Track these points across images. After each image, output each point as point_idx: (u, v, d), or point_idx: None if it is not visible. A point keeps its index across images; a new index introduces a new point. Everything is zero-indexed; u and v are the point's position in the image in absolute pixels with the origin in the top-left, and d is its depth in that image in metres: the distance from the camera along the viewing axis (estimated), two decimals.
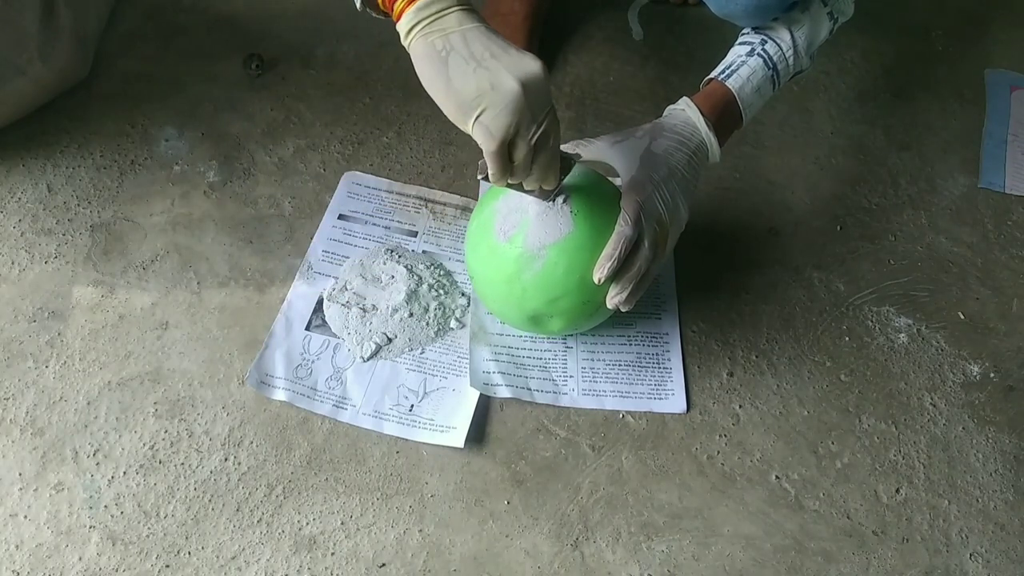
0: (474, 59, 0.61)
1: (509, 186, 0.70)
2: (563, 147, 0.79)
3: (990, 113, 1.11)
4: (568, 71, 1.10)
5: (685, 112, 0.79)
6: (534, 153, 0.64)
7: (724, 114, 0.79)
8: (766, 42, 0.79)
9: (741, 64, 0.79)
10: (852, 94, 1.11)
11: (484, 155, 0.63)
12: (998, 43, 1.19)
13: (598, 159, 0.79)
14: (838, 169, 1.04)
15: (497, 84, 0.60)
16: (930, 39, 1.19)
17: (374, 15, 0.67)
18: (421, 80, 0.63)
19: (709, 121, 0.77)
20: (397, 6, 0.63)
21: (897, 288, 0.94)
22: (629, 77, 1.10)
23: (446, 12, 0.61)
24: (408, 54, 0.64)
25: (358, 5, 0.66)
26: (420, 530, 0.76)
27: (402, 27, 0.63)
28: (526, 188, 0.70)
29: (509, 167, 0.64)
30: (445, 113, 0.63)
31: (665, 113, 0.81)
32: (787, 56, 0.79)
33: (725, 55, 0.82)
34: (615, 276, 0.72)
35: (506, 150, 0.63)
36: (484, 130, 0.62)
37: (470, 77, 0.60)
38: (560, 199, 0.73)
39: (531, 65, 0.61)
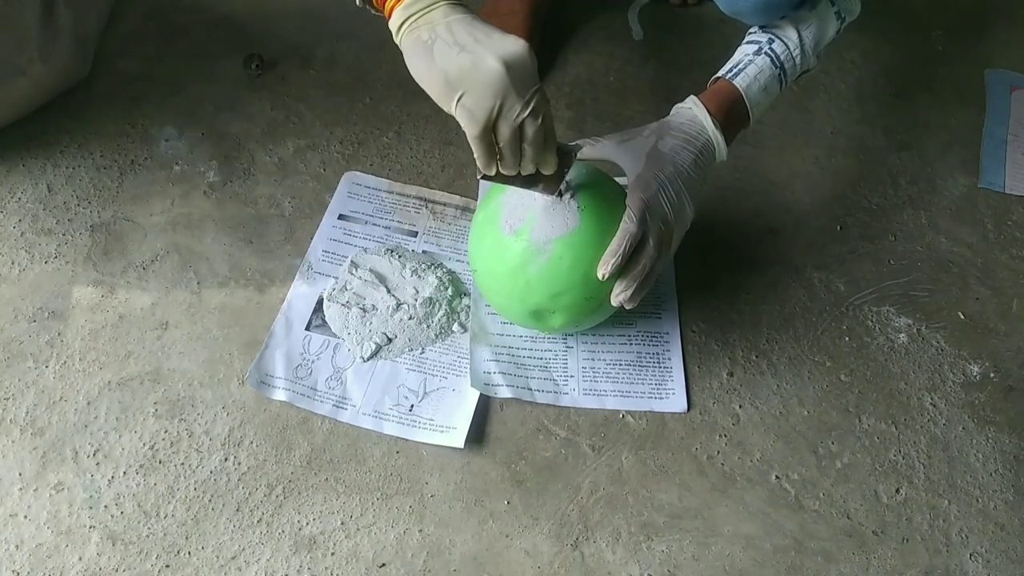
0: (458, 44, 0.62)
1: (513, 182, 0.70)
2: (567, 145, 0.79)
3: (990, 113, 1.11)
4: (568, 71, 1.10)
5: (692, 111, 0.78)
6: (522, 135, 0.64)
7: (731, 113, 0.79)
8: (773, 41, 0.79)
9: (748, 63, 0.79)
10: (852, 94, 1.11)
11: (469, 140, 0.64)
12: (998, 43, 1.19)
13: (605, 158, 0.79)
14: (838, 169, 1.04)
15: (479, 64, 0.61)
16: (930, 39, 1.19)
17: (372, 12, 0.69)
18: (411, 73, 0.64)
19: (716, 120, 0.77)
20: (388, 4, 0.65)
21: (897, 288, 0.94)
22: (629, 77, 1.10)
23: (432, 7, 0.63)
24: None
25: (357, 1, 0.68)
26: (420, 530, 0.76)
27: (393, 24, 0.65)
28: (524, 174, 0.69)
29: (495, 152, 0.65)
30: (434, 99, 0.64)
31: (672, 112, 0.80)
32: (794, 55, 0.79)
33: (728, 54, 0.82)
34: (619, 273, 0.72)
35: (490, 134, 0.63)
36: (466, 112, 0.62)
37: (453, 60, 0.61)
38: (568, 195, 0.74)
39: (514, 45, 0.62)
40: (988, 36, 1.20)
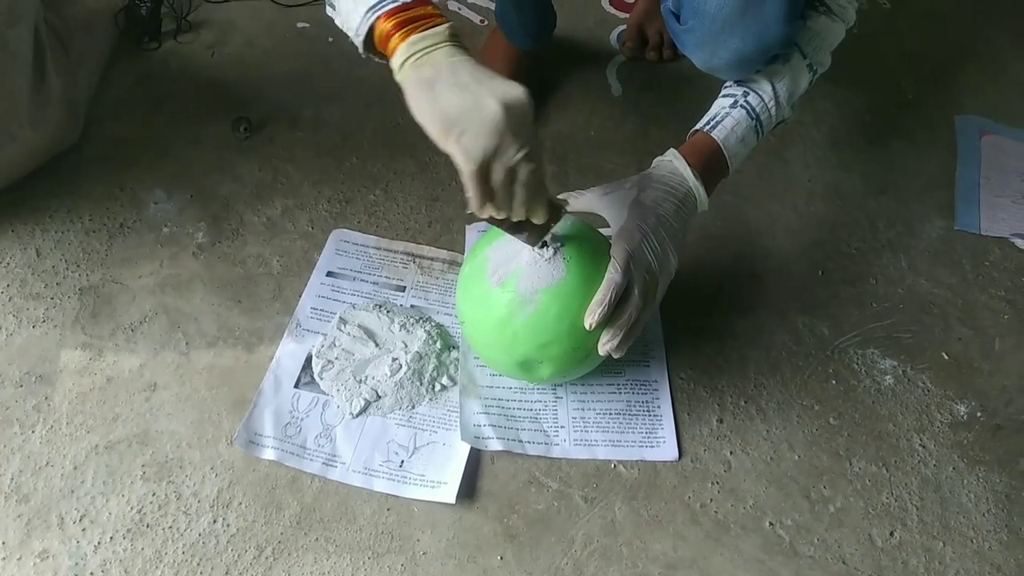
0: (459, 84, 0.63)
1: (501, 226, 0.71)
2: (558, 199, 0.80)
3: (962, 157, 1.14)
4: (550, 127, 1.13)
5: (672, 163, 0.80)
6: (515, 178, 0.64)
7: (710, 164, 0.81)
8: (748, 94, 0.81)
9: (725, 116, 0.81)
10: (827, 142, 1.14)
11: (463, 178, 0.64)
12: (966, 90, 1.23)
13: (588, 210, 0.80)
14: (817, 215, 1.06)
15: (479, 105, 0.61)
16: (901, 88, 1.22)
17: (376, 60, 0.70)
18: (410, 107, 0.65)
19: (696, 171, 0.79)
20: (391, 43, 0.66)
21: (881, 330, 0.95)
22: (609, 132, 1.13)
23: (436, 47, 0.65)
24: (397, 96, 0.65)
25: (361, 51, 0.69)
26: None
27: (395, 61, 0.66)
28: (514, 219, 0.69)
29: (488, 192, 0.65)
30: (429, 135, 0.64)
31: (653, 164, 0.82)
32: (769, 107, 0.81)
33: (705, 107, 0.84)
34: (606, 323, 0.73)
35: (484, 173, 0.63)
36: (463, 149, 0.62)
37: (454, 99, 0.62)
38: (553, 246, 0.75)
39: (515, 90, 0.62)
40: (956, 84, 1.24)
